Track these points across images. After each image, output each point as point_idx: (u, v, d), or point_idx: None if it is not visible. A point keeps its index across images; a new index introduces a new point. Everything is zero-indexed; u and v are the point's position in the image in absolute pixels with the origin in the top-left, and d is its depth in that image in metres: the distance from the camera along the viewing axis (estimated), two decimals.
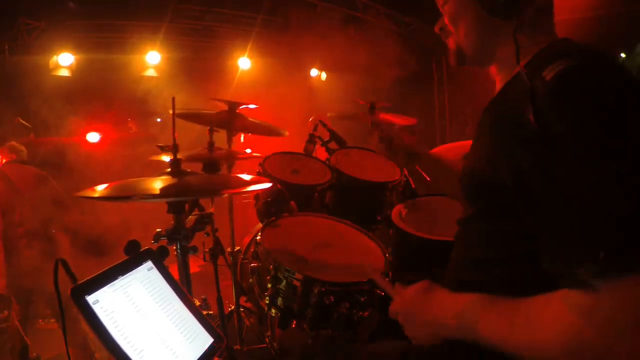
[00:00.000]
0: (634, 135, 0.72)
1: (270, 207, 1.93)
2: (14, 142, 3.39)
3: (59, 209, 3.27)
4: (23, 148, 3.39)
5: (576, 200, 0.71)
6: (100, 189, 1.25)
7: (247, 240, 2.57)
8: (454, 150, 2.57)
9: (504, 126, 0.87)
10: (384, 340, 1.24)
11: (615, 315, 0.67)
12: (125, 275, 1.08)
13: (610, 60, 0.87)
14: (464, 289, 0.94)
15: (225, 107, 2.32)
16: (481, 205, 0.98)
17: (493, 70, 1.09)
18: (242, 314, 2.49)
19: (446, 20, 1.10)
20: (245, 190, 1.44)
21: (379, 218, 2.47)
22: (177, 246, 1.44)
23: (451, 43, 1.11)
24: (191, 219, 1.57)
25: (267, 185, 1.44)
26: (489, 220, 0.96)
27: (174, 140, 1.40)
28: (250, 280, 1.74)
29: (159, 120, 5.67)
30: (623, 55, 5.79)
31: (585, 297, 0.69)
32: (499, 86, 1.06)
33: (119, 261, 1.10)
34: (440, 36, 1.17)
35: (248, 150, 2.88)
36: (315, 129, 2.71)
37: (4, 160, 3.26)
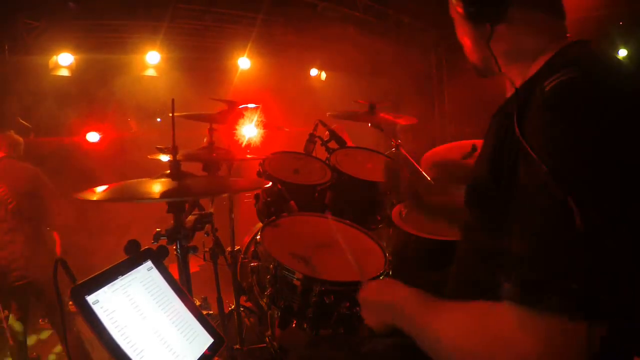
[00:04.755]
0: (604, 173, 0.68)
1: (270, 207, 1.94)
2: (12, 132, 3.33)
3: (51, 206, 3.25)
4: (20, 140, 3.35)
5: (522, 223, 0.73)
6: (100, 190, 1.25)
7: (247, 239, 2.57)
8: (454, 150, 2.57)
9: (500, 134, 0.87)
10: (385, 338, 1.24)
11: (515, 339, 0.68)
12: (125, 275, 1.08)
13: (621, 73, 0.83)
14: (473, 287, 0.95)
15: (225, 107, 2.32)
16: (482, 209, 0.98)
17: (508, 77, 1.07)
18: (242, 313, 2.49)
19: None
20: (244, 191, 1.43)
21: (378, 218, 2.47)
22: (177, 246, 1.44)
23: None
24: (191, 218, 1.57)
25: (266, 186, 1.44)
26: (491, 224, 0.95)
27: (174, 141, 1.40)
28: (250, 279, 1.74)
29: (159, 120, 5.67)
30: (625, 51, 5.79)
31: (507, 312, 0.70)
32: (509, 92, 1.06)
33: (119, 261, 1.10)
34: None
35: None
36: (315, 128, 2.71)
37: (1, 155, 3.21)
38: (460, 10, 0.99)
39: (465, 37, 1.07)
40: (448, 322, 0.81)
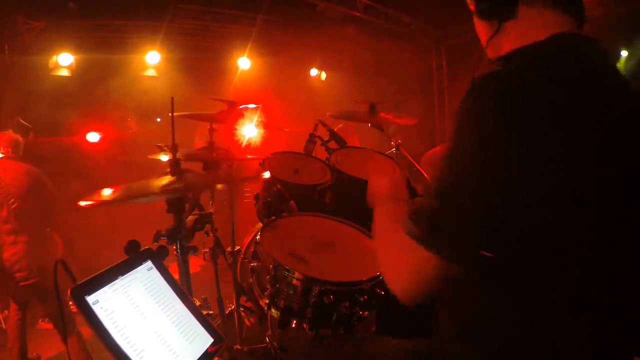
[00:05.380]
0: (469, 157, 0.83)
1: (270, 207, 1.93)
2: (10, 132, 3.31)
3: (51, 207, 3.25)
4: (20, 139, 3.32)
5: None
6: (106, 194, 1.25)
7: (247, 240, 2.57)
8: None
9: None
10: (386, 340, 1.24)
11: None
12: (125, 275, 1.08)
13: (555, 78, 0.83)
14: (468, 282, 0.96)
15: (225, 107, 2.32)
16: None
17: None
18: (242, 313, 2.49)
19: None
20: (243, 179, 1.43)
21: None
22: (177, 246, 1.44)
23: None
24: (191, 218, 1.58)
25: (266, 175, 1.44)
26: None
27: (173, 140, 1.40)
28: (250, 280, 1.74)
29: (159, 120, 5.67)
30: (625, 53, 5.79)
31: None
32: None
33: (119, 261, 1.10)
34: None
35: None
36: (315, 128, 2.71)
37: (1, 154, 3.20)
38: (472, 7, 1.02)
39: (480, 32, 1.08)
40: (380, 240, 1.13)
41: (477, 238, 0.84)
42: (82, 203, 1.18)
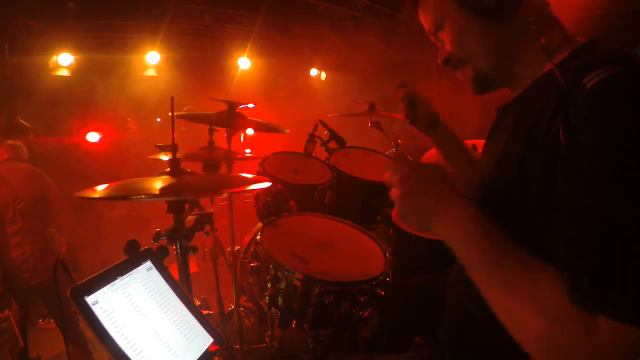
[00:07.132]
0: None
1: (270, 207, 1.93)
2: (15, 141, 3.38)
3: (54, 207, 3.27)
4: (22, 146, 3.39)
5: (588, 221, 0.69)
6: (100, 189, 1.25)
7: (247, 239, 2.57)
8: None
9: (532, 128, 0.82)
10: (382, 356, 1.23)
11: (575, 342, 0.67)
12: (125, 276, 1.08)
13: None
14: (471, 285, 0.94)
15: (225, 107, 2.32)
16: (500, 207, 0.92)
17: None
18: (242, 313, 2.49)
19: (449, 48, 1.01)
20: (245, 189, 1.43)
21: (378, 218, 2.47)
22: (177, 246, 1.44)
23: (467, 72, 1.02)
24: (191, 218, 1.57)
25: (267, 184, 1.43)
26: (508, 220, 0.90)
27: (173, 140, 1.40)
28: (250, 280, 1.74)
29: (159, 120, 5.67)
30: None
31: (566, 307, 0.69)
32: (517, 91, 1.00)
33: (118, 261, 1.10)
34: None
35: (248, 151, 2.87)
36: (315, 128, 2.71)
37: (4, 157, 3.26)
38: (475, 5, 0.92)
39: (475, 40, 0.96)
40: (519, 292, 0.75)
41: None
42: (97, 192, 1.18)
